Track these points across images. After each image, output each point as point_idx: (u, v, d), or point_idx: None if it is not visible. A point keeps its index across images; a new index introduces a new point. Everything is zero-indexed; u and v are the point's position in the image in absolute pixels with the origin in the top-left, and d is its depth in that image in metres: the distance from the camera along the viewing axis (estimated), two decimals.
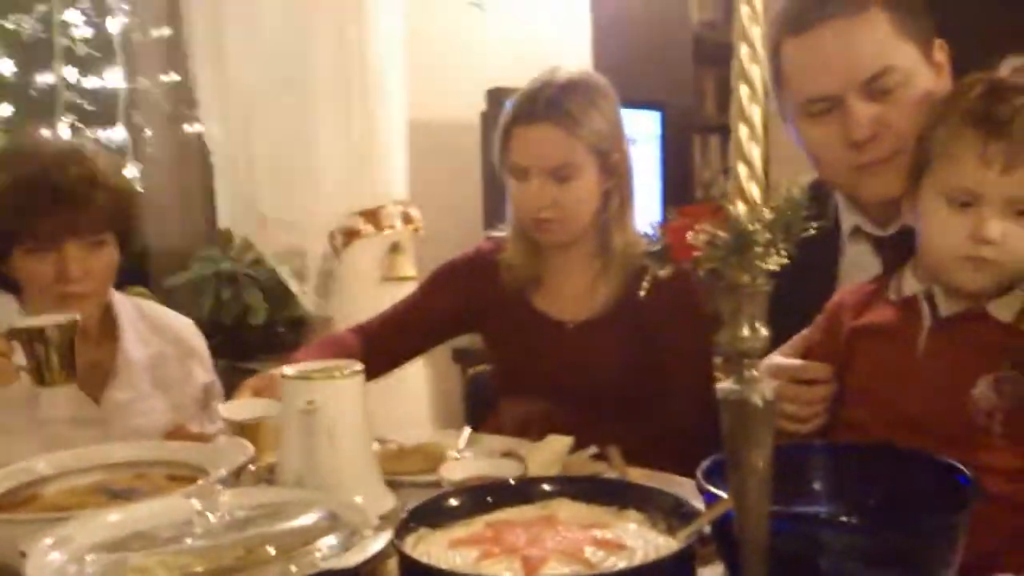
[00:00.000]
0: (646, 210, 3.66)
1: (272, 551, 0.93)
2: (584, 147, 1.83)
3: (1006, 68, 1.31)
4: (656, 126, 4.02)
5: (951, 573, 0.95)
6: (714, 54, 4.47)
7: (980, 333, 1.25)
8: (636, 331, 1.86)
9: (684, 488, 1.09)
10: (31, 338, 1.58)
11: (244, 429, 1.55)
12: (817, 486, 1.12)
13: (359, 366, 1.32)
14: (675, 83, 4.25)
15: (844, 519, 0.95)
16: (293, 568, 0.91)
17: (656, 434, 1.78)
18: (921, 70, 1.42)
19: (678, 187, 4.09)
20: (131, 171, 1.90)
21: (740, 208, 0.77)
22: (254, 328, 2.87)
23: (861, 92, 1.40)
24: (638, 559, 0.92)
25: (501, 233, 2.05)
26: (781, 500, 0.85)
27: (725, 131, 4.48)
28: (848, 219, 1.55)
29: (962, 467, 1.02)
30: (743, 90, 0.78)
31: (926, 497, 1.02)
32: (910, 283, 1.33)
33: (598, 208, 1.89)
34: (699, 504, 1.01)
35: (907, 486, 1.07)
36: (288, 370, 1.30)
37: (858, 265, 1.53)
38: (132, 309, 1.93)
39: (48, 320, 1.61)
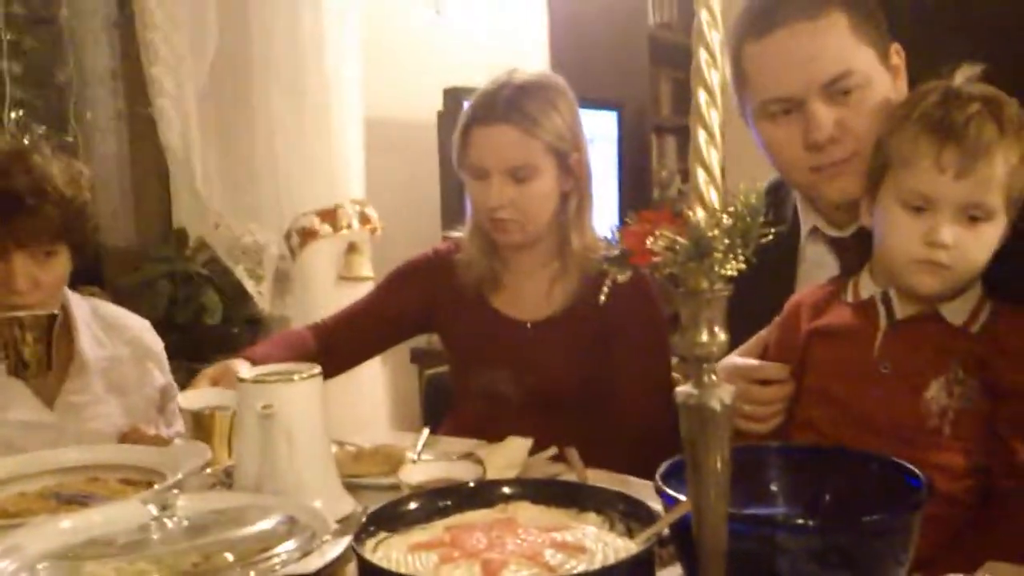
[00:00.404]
0: (603, 210, 3.69)
1: (230, 557, 0.92)
2: (543, 148, 1.84)
3: (960, 77, 1.32)
4: (613, 126, 4.04)
5: (903, 572, 0.97)
6: (670, 55, 4.51)
7: (933, 335, 1.28)
8: (594, 332, 1.87)
9: (642, 491, 1.10)
10: (10, 328, 1.58)
11: (200, 419, 1.55)
12: (773, 488, 1.13)
13: (317, 369, 1.31)
14: (632, 84, 4.28)
15: (800, 521, 0.95)
16: (252, 574, 0.90)
17: (614, 436, 1.79)
18: (879, 74, 1.44)
19: (635, 187, 4.11)
20: (83, 171, 1.85)
21: (699, 214, 0.77)
22: (209, 328, 2.83)
23: (821, 94, 1.41)
24: (598, 562, 0.92)
25: (459, 233, 2.05)
26: (738, 502, 0.86)
27: (682, 132, 4.55)
28: (807, 220, 1.57)
29: (914, 469, 1.03)
30: (701, 95, 0.78)
31: (879, 498, 1.03)
32: (867, 285, 1.35)
33: (556, 209, 1.90)
34: (657, 507, 1.01)
35: (861, 488, 1.09)
36: (245, 373, 1.29)
37: (817, 265, 1.55)
38: (87, 310, 1.90)
39: (27, 312, 1.60)
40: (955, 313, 1.29)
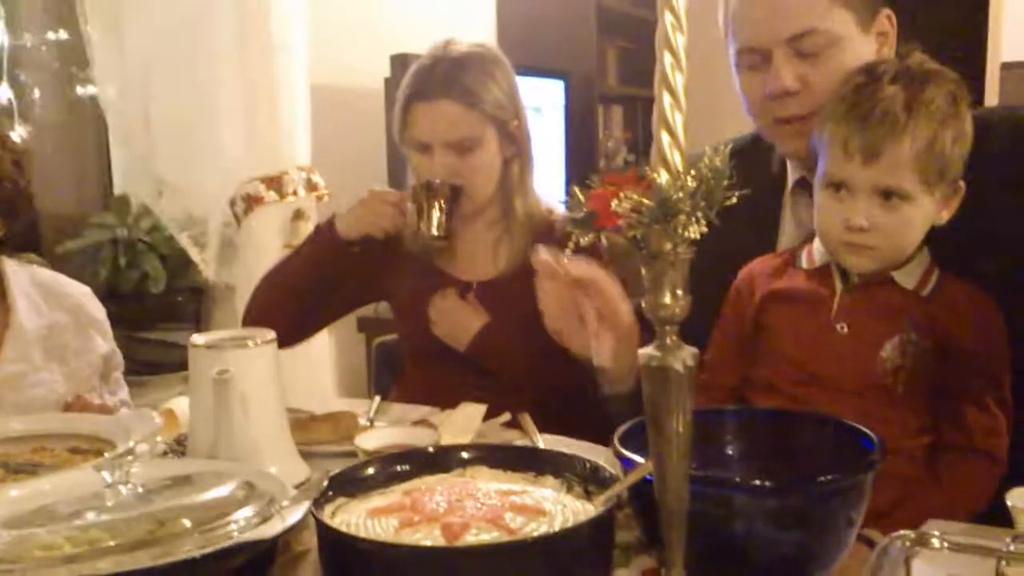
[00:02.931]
0: (551, 178, 3.69)
1: (187, 523, 0.91)
2: (483, 119, 1.86)
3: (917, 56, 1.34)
4: (560, 95, 4.03)
5: (855, 531, 0.99)
6: (618, 25, 4.51)
7: (887, 299, 1.32)
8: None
9: (597, 456, 1.10)
10: None
11: None
12: (729, 451, 1.15)
13: (271, 335, 1.30)
14: (578, 52, 4.28)
15: (756, 482, 0.96)
16: (209, 540, 0.90)
17: (563, 401, 1.80)
18: (855, 38, 1.44)
19: (582, 156, 4.12)
20: (17, 133, 1.81)
21: (663, 177, 0.78)
22: (153, 297, 2.79)
23: (786, 48, 1.43)
24: (558, 524, 0.92)
25: None
26: (694, 466, 0.86)
27: (628, 101, 4.55)
28: (794, 172, 1.58)
29: (867, 431, 1.05)
30: (667, 58, 0.78)
31: (833, 460, 1.05)
32: (820, 252, 1.38)
33: (500, 175, 1.93)
34: (613, 470, 1.02)
35: (815, 450, 1.11)
36: (198, 339, 1.27)
37: (799, 216, 1.56)
38: (25, 277, 1.85)
39: None
40: (907, 278, 1.32)
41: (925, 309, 1.30)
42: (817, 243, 1.39)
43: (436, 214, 1.83)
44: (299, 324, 1.99)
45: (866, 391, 1.28)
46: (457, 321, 1.87)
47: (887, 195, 1.26)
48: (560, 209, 2.01)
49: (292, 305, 1.94)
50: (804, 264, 1.40)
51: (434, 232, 1.84)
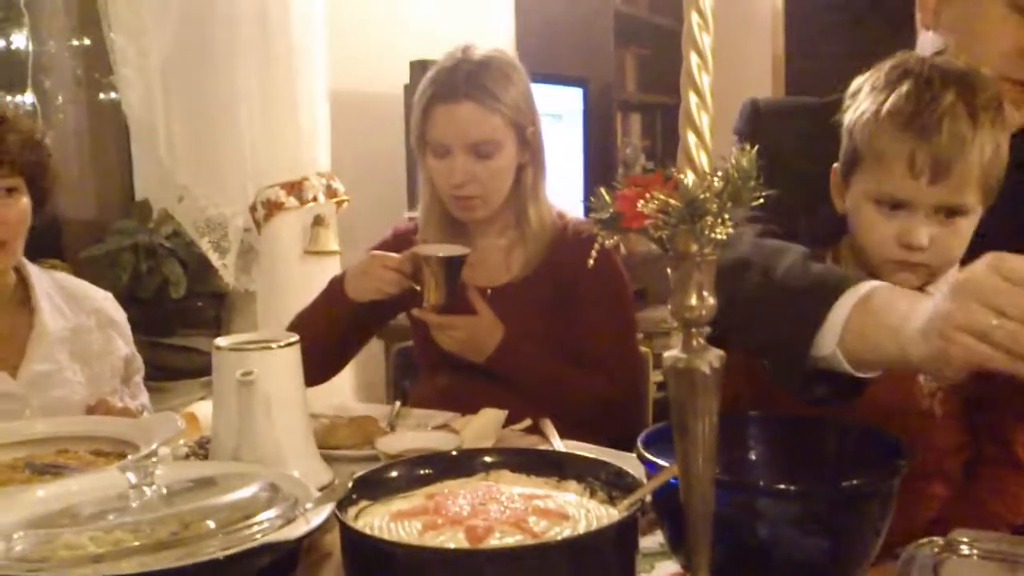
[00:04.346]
0: (570, 186, 3.69)
1: (211, 525, 0.91)
2: (503, 122, 1.86)
3: (926, 45, 1.30)
4: (579, 102, 4.03)
5: (879, 540, 0.98)
6: (636, 32, 4.51)
7: None
8: (555, 298, 1.91)
9: (618, 460, 1.10)
10: None
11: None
12: (752, 457, 1.14)
13: (295, 337, 1.30)
14: (597, 60, 4.27)
15: (781, 486, 0.96)
16: (233, 542, 0.89)
17: (577, 405, 1.80)
18: None
19: (600, 163, 4.12)
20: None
21: (690, 177, 0.77)
22: (173, 302, 2.80)
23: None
24: (582, 528, 0.92)
25: (415, 214, 2.07)
26: (719, 470, 0.86)
27: (646, 108, 4.54)
28: None
29: (893, 437, 1.04)
30: (693, 58, 0.78)
31: (858, 468, 1.04)
32: (848, 267, 1.31)
33: (514, 181, 1.93)
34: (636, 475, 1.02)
35: (840, 457, 1.10)
36: (222, 341, 1.27)
37: None
38: (48, 281, 1.87)
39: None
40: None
41: None
42: (846, 254, 1.33)
43: (433, 286, 1.80)
44: (334, 364, 2.05)
45: (905, 416, 1.21)
46: (472, 340, 1.86)
47: (948, 212, 1.19)
48: (571, 213, 2.01)
49: (320, 351, 1.93)
50: None
51: (431, 303, 1.81)
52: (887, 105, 1.19)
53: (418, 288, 1.81)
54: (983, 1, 1.33)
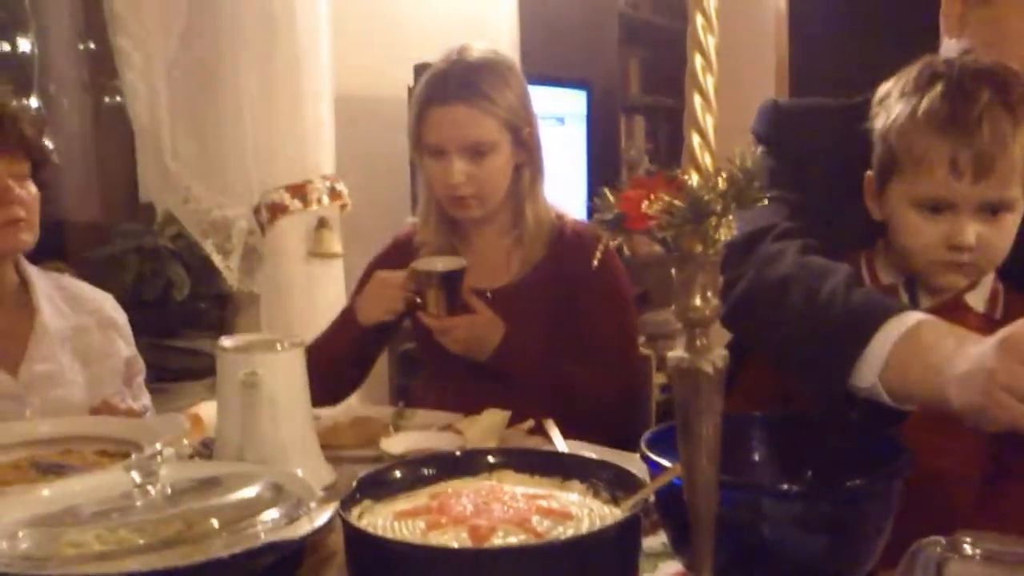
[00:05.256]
0: (573, 188, 3.69)
1: (215, 524, 0.92)
2: (498, 124, 1.87)
3: (950, 51, 1.29)
4: (582, 105, 4.03)
5: (883, 541, 0.98)
6: (639, 34, 4.51)
7: (959, 323, 1.19)
8: (556, 298, 1.92)
9: (620, 460, 1.10)
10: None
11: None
12: (756, 458, 1.14)
13: (299, 339, 1.30)
14: (600, 62, 4.27)
15: (785, 487, 0.96)
16: (237, 541, 0.90)
17: (579, 406, 1.80)
18: None
19: (604, 166, 4.12)
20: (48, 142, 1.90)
21: (694, 178, 0.78)
22: (177, 304, 2.80)
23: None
24: (585, 528, 0.92)
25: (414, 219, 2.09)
26: (723, 471, 0.86)
27: (650, 110, 4.53)
28: None
29: (896, 438, 1.04)
30: (697, 59, 0.78)
31: (861, 468, 1.04)
32: (885, 270, 1.31)
33: (511, 182, 1.94)
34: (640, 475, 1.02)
35: (843, 459, 1.09)
36: (226, 342, 1.28)
37: None
38: (48, 282, 1.89)
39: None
40: (978, 300, 1.26)
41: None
42: (881, 260, 1.31)
43: (434, 300, 1.84)
44: (354, 380, 2.07)
45: (933, 423, 1.17)
46: (474, 339, 1.87)
47: (993, 210, 1.18)
48: (571, 215, 2.02)
49: (338, 373, 1.98)
50: (867, 282, 1.30)
51: (434, 315, 1.85)
52: (922, 108, 1.19)
53: (420, 302, 1.85)
54: (1012, 3, 1.33)
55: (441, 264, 1.86)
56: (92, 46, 3.02)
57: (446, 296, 1.83)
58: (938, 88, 1.19)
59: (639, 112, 4.75)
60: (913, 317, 1.08)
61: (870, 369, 1.09)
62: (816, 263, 1.23)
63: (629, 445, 1.16)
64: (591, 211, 0.85)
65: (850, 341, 1.10)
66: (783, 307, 1.20)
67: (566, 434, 1.57)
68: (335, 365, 1.93)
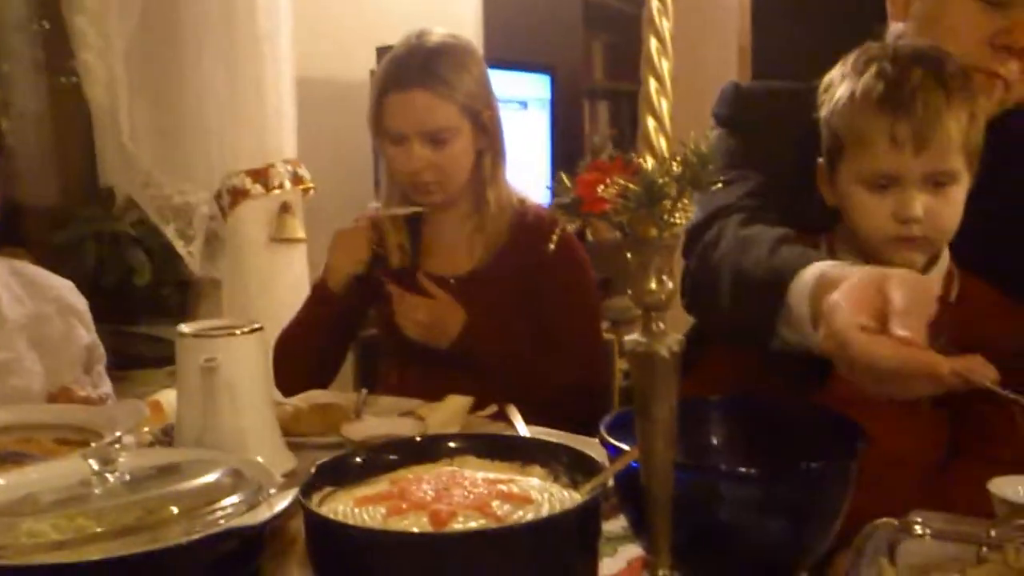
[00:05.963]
0: (536, 173, 3.69)
1: (175, 510, 0.91)
2: (458, 109, 1.87)
3: (891, 36, 1.32)
4: (546, 90, 4.03)
5: (839, 522, 0.99)
6: (603, 19, 4.51)
7: None
8: (519, 286, 1.92)
9: (581, 445, 1.10)
10: None
11: None
12: (713, 441, 1.15)
13: (259, 324, 1.30)
14: (564, 47, 4.27)
15: (742, 469, 0.97)
16: (197, 527, 0.90)
17: (543, 393, 1.81)
18: None
19: (568, 151, 4.12)
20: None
21: (649, 162, 0.78)
22: (138, 290, 2.78)
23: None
24: (545, 512, 0.92)
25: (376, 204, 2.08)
26: (681, 454, 0.87)
27: (614, 95, 4.53)
28: None
29: (852, 420, 1.05)
30: (652, 43, 0.78)
31: (817, 450, 1.05)
32: (846, 255, 1.31)
33: (472, 167, 1.94)
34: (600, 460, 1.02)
35: (798, 440, 1.10)
36: (185, 328, 1.27)
37: None
38: (5, 268, 1.85)
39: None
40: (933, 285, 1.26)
41: (954, 316, 1.19)
42: (839, 245, 1.34)
43: (398, 245, 1.91)
44: (333, 368, 2.08)
45: (891, 406, 1.16)
46: (435, 324, 1.87)
47: (937, 182, 1.23)
48: (532, 199, 2.02)
49: (316, 358, 2.01)
50: None
51: (397, 264, 1.92)
52: (860, 89, 1.24)
53: (383, 252, 1.91)
54: None
55: (402, 212, 1.91)
56: (46, 25, 2.96)
57: (408, 242, 1.89)
58: (874, 68, 1.25)
59: (603, 97, 4.75)
60: (818, 268, 1.10)
61: (793, 328, 1.11)
62: (749, 234, 1.26)
63: (593, 431, 1.16)
64: (555, 191, 0.85)
65: (770, 300, 1.13)
66: (717, 288, 1.24)
67: (529, 420, 1.57)
68: (315, 345, 1.93)
